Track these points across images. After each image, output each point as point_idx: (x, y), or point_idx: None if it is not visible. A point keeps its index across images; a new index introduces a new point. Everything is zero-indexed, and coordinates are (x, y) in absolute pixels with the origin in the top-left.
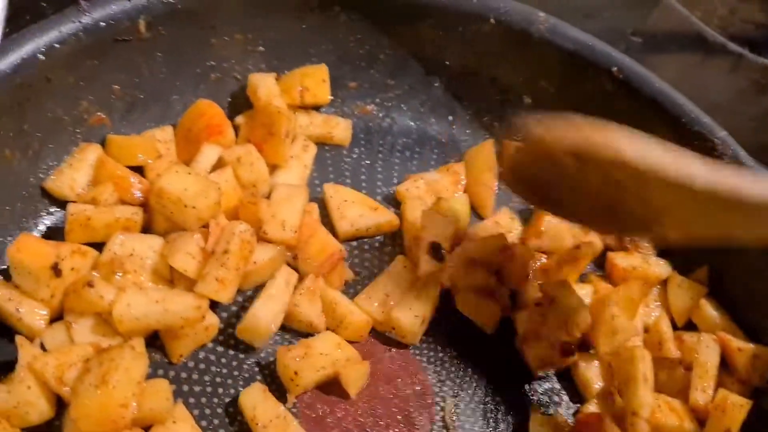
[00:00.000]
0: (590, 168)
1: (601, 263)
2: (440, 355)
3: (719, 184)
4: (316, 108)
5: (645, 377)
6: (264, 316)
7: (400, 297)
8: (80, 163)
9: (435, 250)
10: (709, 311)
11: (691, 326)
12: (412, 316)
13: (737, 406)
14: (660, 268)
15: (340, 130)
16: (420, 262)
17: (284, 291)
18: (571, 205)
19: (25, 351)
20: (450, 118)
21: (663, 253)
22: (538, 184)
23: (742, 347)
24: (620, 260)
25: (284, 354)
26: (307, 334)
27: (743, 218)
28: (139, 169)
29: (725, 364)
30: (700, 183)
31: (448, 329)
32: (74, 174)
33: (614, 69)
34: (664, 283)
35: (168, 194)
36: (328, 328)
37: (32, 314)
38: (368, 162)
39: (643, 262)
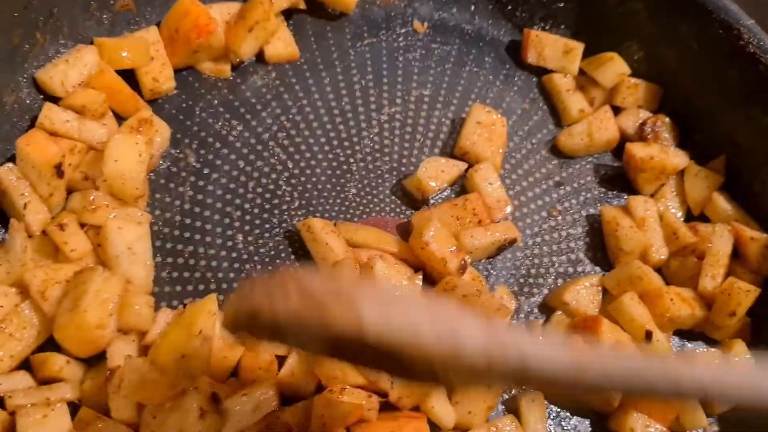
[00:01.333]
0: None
1: (619, 154)
2: None
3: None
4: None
5: None
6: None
7: None
8: (77, 60)
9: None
10: (722, 204)
11: (706, 220)
12: None
13: (744, 291)
14: (678, 158)
15: None
16: None
17: None
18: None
19: (20, 236)
20: (472, 8)
21: (682, 143)
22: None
23: (755, 236)
24: (638, 150)
25: None
26: None
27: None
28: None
29: (739, 255)
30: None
31: None
32: (69, 70)
33: None
34: (681, 173)
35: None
36: None
37: (36, 213)
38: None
39: (661, 151)
